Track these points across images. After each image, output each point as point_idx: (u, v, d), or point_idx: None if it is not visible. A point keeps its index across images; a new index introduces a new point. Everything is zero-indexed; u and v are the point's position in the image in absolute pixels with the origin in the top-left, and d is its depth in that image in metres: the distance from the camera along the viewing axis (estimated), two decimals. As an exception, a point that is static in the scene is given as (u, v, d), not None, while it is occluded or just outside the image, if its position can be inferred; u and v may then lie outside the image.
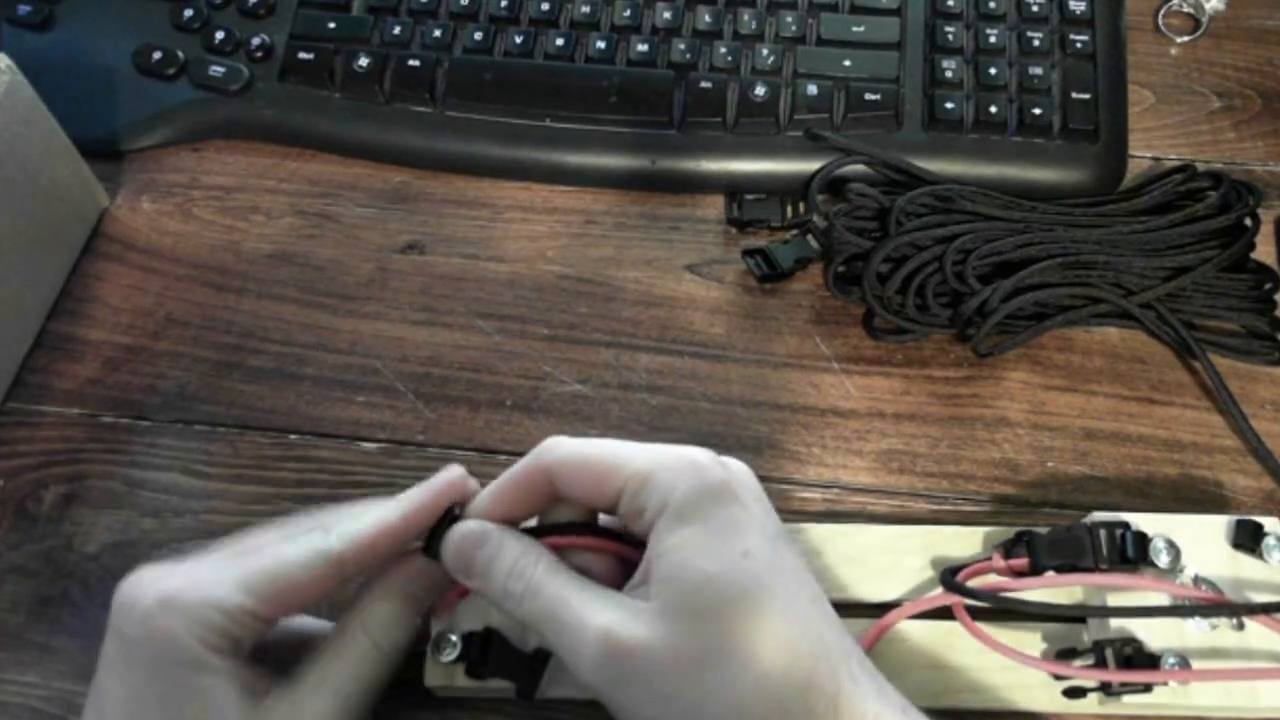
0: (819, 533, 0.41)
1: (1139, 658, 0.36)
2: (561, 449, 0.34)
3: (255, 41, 0.53)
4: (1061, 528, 0.39)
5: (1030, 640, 0.39)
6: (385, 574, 0.36)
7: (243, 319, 0.48)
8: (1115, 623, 0.37)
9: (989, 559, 0.39)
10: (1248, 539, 0.38)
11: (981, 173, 0.49)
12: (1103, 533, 0.37)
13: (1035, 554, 0.38)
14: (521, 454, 0.35)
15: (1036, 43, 0.51)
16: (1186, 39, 0.55)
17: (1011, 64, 0.51)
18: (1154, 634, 0.37)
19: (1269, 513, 0.42)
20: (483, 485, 0.36)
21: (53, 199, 0.48)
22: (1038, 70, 0.51)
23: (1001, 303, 0.45)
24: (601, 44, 0.52)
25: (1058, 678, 0.38)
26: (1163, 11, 0.56)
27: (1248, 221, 0.47)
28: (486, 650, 0.37)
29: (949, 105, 0.50)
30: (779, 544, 0.32)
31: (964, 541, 0.41)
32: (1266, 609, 0.36)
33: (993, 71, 0.51)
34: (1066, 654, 0.38)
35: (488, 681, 0.37)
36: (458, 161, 0.52)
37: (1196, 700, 0.37)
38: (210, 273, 0.49)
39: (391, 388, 0.46)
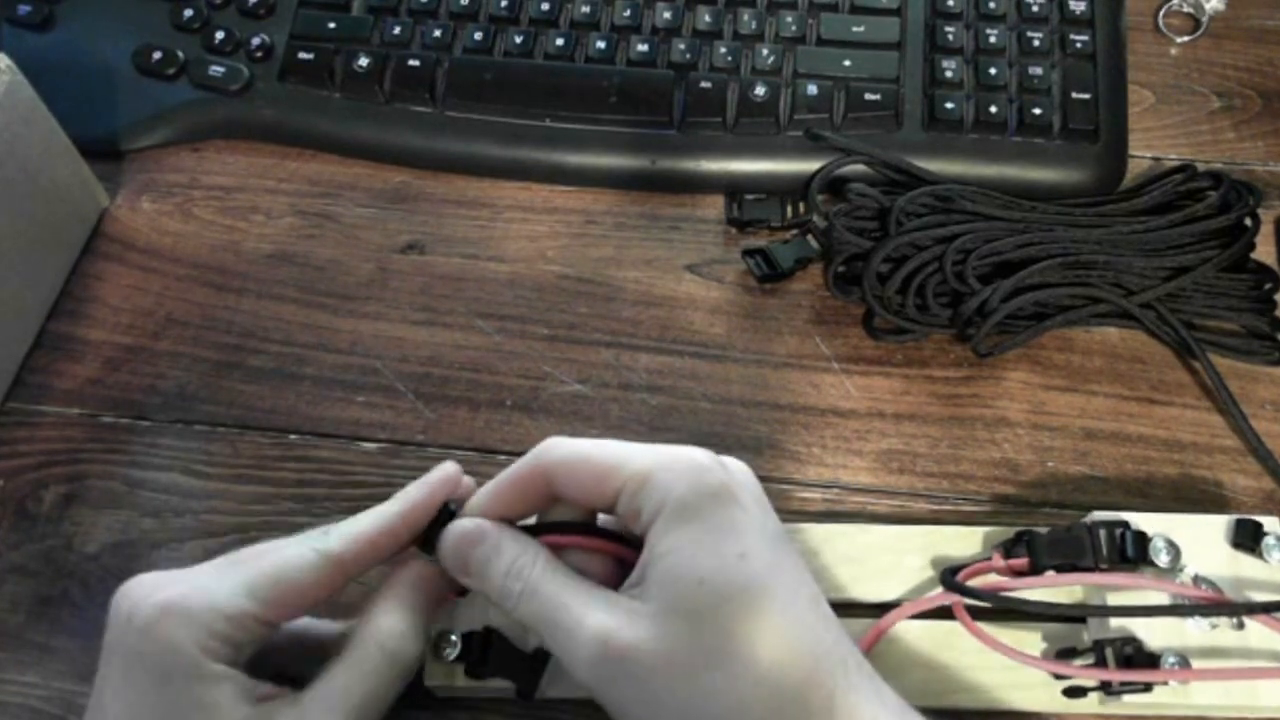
0: (819, 533, 0.41)
1: (1139, 657, 0.36)
2: (560, 449, 0.34)
3: (255, 41, 0.53)
4: (1061, 527, 0.39)
5: (1030, 640, 0.39)
6: (393, 582, 0.36)
7: (243, 319, 0.48)
8: (1115, 622, 0.37)
9: (989, 559, 0.39)
10: (1248, 539, 0.38)
11: (981, 173, 0.49)
12: (1103, 532, 0.38)
13: (1035, 554, 0.38)
14: (521, 454, 0.35)
15: (1036, 43, 0.51)
16: (1186, 39, 0.55)
17: (1011, 64, 0.51)
18: (1154, 633, 0.37)
19: (1269, 513, 0.42)
20: (481, 485, 0.36)
21: (53, 199, 0.48)
22: (1038, 70, 0.51)
23: (1001, 303, 0.45)
24: (601, 44, 0.52)
25: (1058, 677, 0.38)
26: (1163, 11, 0.56)
27: (1248, 221, 0.47)
28: (486, 650, 0.37)
29: (949, 105, 0.50)
30: (777, 545, 0.32)
31: (964, 541, 0.41)
32: (1266, 608, 0.36)
33: (993, 71, 0.51)
34: (1067, 653, 0.38)
35: (488, 681, 0.37)
36: (458, 161, 0.52)
37: (1196, 700, 0.37)
38: (210, 273, 0.49)
39: (391, 388, 0.46)
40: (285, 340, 0.48)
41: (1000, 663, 0.37)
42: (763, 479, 0.34)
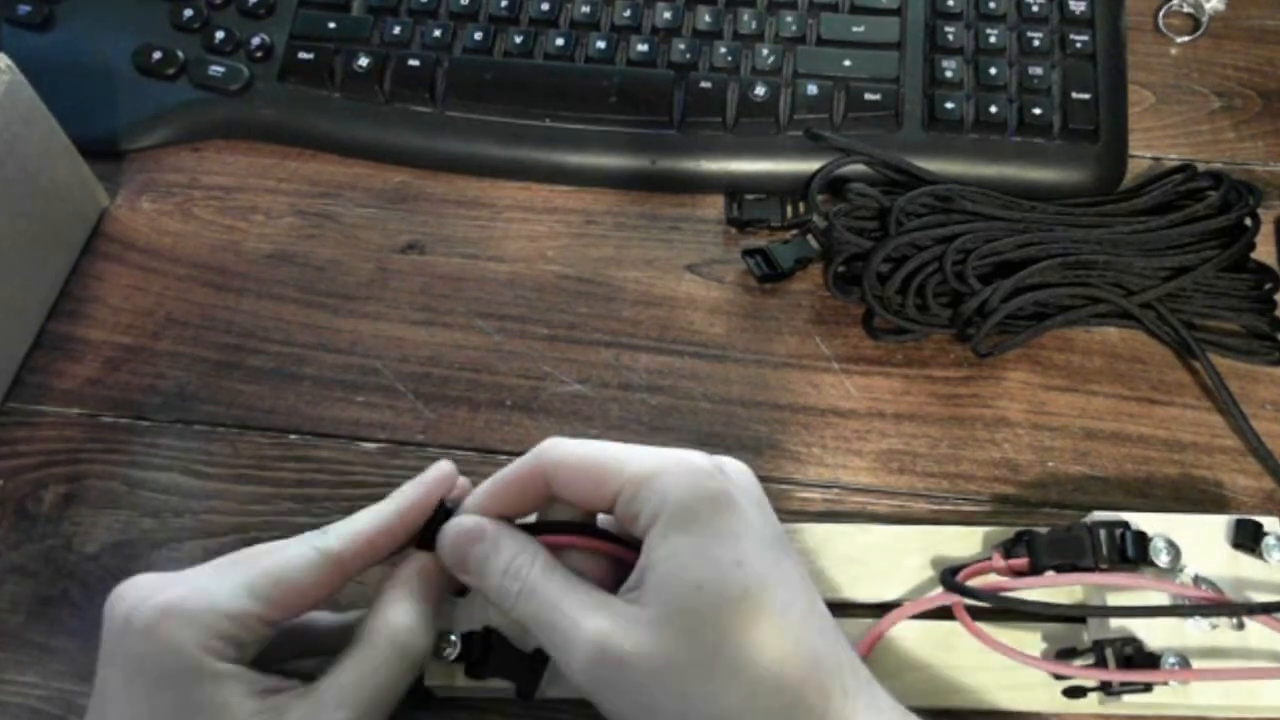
0: (819, 533, 0.41)
1: (1139, 657, 0.36)
2: (559, 450, 0.34)
3: (255, 41, 0.53)
4: (1061, 528, 0.39)
5: (1030, 640, 0.39)
6: (399, 575, 0.35)
7: (243, 319, 0.48)
8: (1115, 622, 0.37)
9: (989, 559, 0.39)
10: (1248, 539, 0.38)
11: (981, 173, 0.49)
12: (1103, 532, 0.38)
13: (1035, 554, 0.38)
14: (521, 454, 0.35)
15: (1036, 43, 0.51)
16: (1186, 39, 0.55)
17: (1011, 64, 0.51)
18: (1154, 633, 0.37)
19: (1269, 513, 0.42)
20: (479, 485, 0.36)
21: (53, 199, 0.48)
22: (1038, 70, 0.51)
23: (1001, 303, 0.45)
24: (601, 44, 0.52)
25: (1058, 677, 0.38)
26: (1163, 11, 0.56)
27: (1248, 221, 0.47)
28: (486, 650, 0.37)
29: (949, 105, 0.50)
30: (775, 552, 0.32)
31: (964, 541, 0.41)
32: (1266, 608, 0.36)
33: (993, 71, 0.51)
34: (1066, 654, 0.38)
35: (488, 681, 0.37)
36: (458, 161, 0.52)
37: (1196, 700, 0.37)
38: (210, 273, 0.49)
39: (391, 388, 0.46)
40: (285, 340, 0.48)
41: (1000, 663, 0.37)
42: (763, 479, 0.34)
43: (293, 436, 0.45)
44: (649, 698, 0.30)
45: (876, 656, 0.38)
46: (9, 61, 0.44)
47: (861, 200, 0.47)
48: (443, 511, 0.36)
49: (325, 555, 0.34)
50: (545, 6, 0.53)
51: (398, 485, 0.36)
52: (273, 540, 0.35)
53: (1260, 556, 0.38)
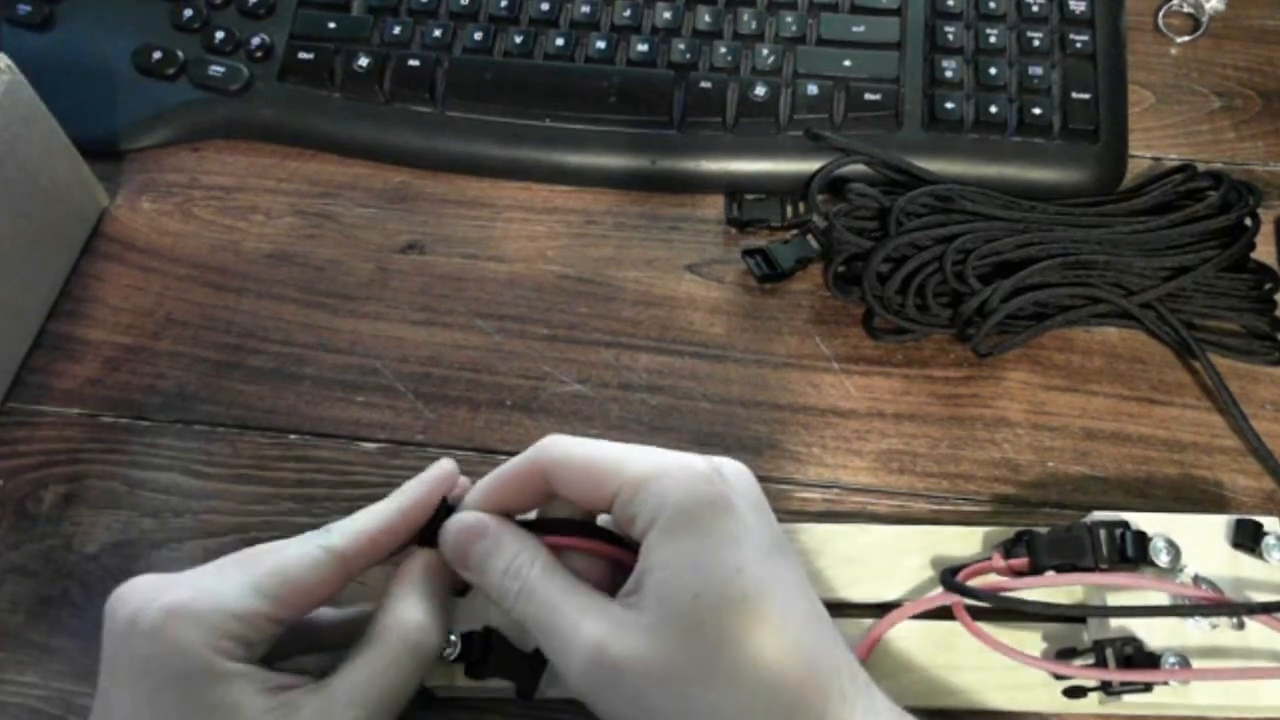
0: (819, 533, 0.41)
1: (1139, 657, 0.36)
2: (558, 449, 0.34)
3: (255, 41, 0.53)
4: (1061, 527, 0.39)
5: (1030, 640, 0.39)
6: (407, 573, 0.35)
7: (243, 319, 0.48)
8: (1115, 622, 0.37)
9: (989, 559, 0.39)
10: (1248, 539, 0.38)
11: (981, 173, 0.49)
12: (1103, 532, 0.38)
13: (1035, 554, 0.38)
14: (519, 454, 0.35)
15: (1036, 43, 0.51)
16: (1186, 39, 0.55)
17: (1011, 64, 0.51)
18: (1154, 633, 0.37)
19: (1269, 513, 0.42)
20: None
21: (53, 199, 0.48)
22: (1038, 70, 0.51)
23: (1001, 303, 0.45)
24: (601, 44, 0.52)
25: (1058, 677, 0.38)
26: (1163, 11, 0.56)
27: (1248, 221, 0.47)
28: (486, 650, 0.37)
29: (949, 105, 0.50)
30: (774, 558, 0.32)
31: (964, 541, 0.41)
32: (1266, 608, 0.36)
33: (993, 71, 0.51)
34: (1067, 653, 0.38)
35: (488, 681, 0.37)
36: (458, 161, 0.52)
37: (1197, 699, 0.37)
38: (210, 273, 0.49)
39: (391, 388, 0.46)
40: (285, 340, 0.48)
41: (1000, 663, 0.37)
42: (762, 479, 0.34)
43: (293, 436, 0.45)
44: (646, 703, 0.30)
45: (876, 656, 0.38)
46: (9, 61, 0.44)
47: (861, 200, 0.47)
48: (445, 509, 0.36)
49: (331, 553, 0.34)
50: (545, 6, 0.53)
51: (397, 485, 0.36)
52: (273, 540, 0.35)
53: (1260, 556, 0.38)
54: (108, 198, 0.51)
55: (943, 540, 0.41)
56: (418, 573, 0.35)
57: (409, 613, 0.34)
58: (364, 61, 0.52)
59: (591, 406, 0.46)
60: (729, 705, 0.30)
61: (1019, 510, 0.43)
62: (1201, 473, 0.44)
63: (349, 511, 0.36)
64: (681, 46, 0.52)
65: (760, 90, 0.51)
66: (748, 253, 0.49)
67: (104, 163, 0.51)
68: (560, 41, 0.52)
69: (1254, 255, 0.47)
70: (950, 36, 0.52)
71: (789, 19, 0.52)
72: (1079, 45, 0.51)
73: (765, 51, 0.52)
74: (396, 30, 0.53)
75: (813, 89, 0.51)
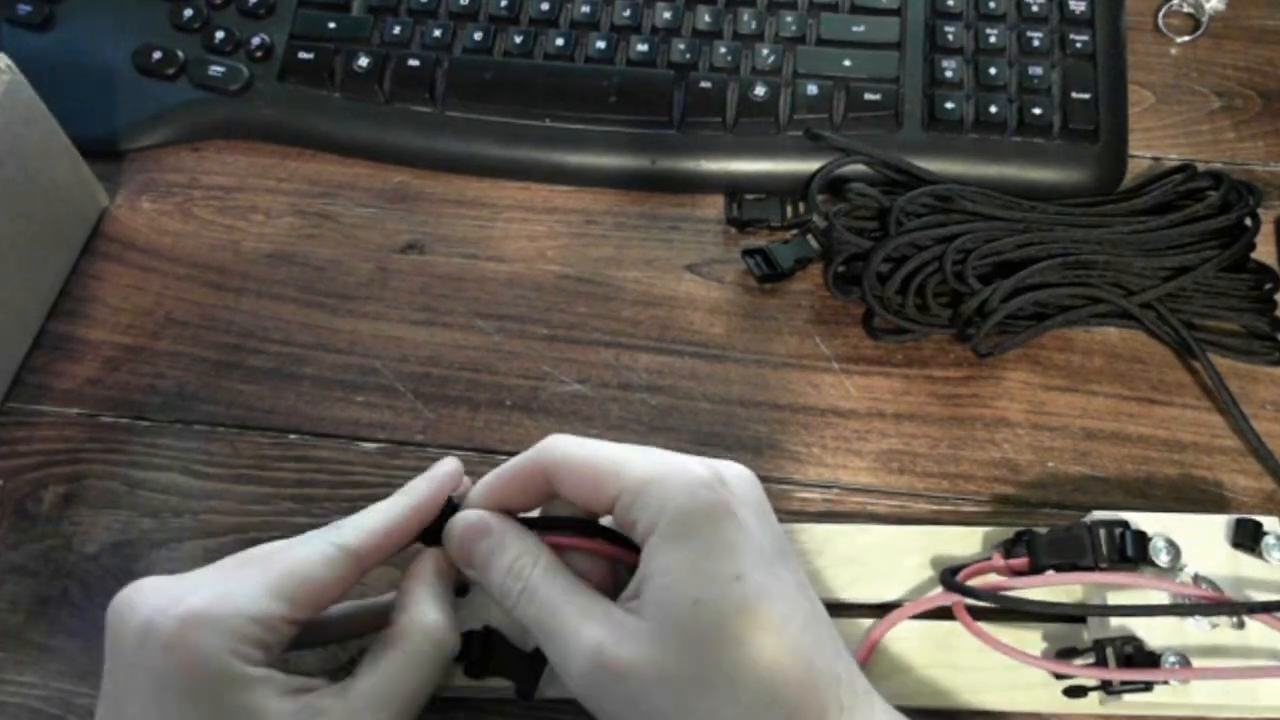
0: (819, 533, 0.41)
1: (1139, 656, 0.36)
2: (559, 449, 0.34)
3: (255, 41, 0.53)
4: (1061, 527, 0.39)
5: (1031, 639, 0.39)
6: (422, 574, 0.35)
7: (242, 319, 0.48)
8: (1115, 621, 0.37)
9: (989, 559, 0.39)
10: (1247, 538, 0.38)
11: (981, 173, 0.49)
12: (1102, 532, 0.37)
13: (1035, 553, 0.38)
14: (520, 454, 0.35)
15: (1036, 43, 0.51)
16: (1186, 39, 0.55)
17: (1011, 64, 0.51)
18: (1154, 633, 0.37)
19: (1269, 513, 0.42)
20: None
21: (53, 199, 0.48)
22: (1038, 70, 0.51)
23: (1001, 303, 0.45)
24: (601, 44, 0.52)
25: (1058, 677, 0.38)
26: (1163, 11, 0.56)
27: (1248, 221, 0.47)
28: (486, 650, 0.37)
29: (949, 105, 0.50)
30: (774, 564, 0.32)
31: (964, 541, 0.41)
32: (1266, 608, 0.36)
33: (993, 71, 0.51)
34: (1067, 653, 0.38)
35: (487, 681, 0.37)
36: (458, 161, 0.52)
37: (1197, 699, 0.37)
38: (210, 273, 0.49)
39: (391, 388, 0.46)
40: (285, 340, 0.48)
41: (1000, 662, 0.37)
42: (763, 479, 0.34)
43: (292, 436, 0.45)
44: (646, 706, 0.30)
45: (877, 657, 0.38)
46: (9, 61, 0.44)
47: (861, 200, 0.47)
48: (449, 507, 0.36)
49: (344, 551, 0.34)
50: (545, 6, 0.53)
51: (397, 485, 0.36)
52: (273, 540, 0.35)
53: (1260, 556, 0.38)
54: (108, 198, 0.51)
55: (943, 540, 0.41)
56: (430, 573, 0.35)
57: (428, 613, 0.34)
58: (364, 61, 0.52)
59: (591, 406, 0.46)
60: (727, 711, 0.30)
61: (1019, 510, 0.43)
62: (1201, 473, 0.44)
63: (349, 511, 0.36)
64: (681, 46, 0.52)
65: (760, 90, 0.51)
66: (748, 253, 0.49)
67: (104, 163, 0.51)
68: (560, 41, 0.52)
69: (1254, 255, 0.47)
70: (950, 36, 0.52)
71: (789, 19, 0.52)
72: (1079, 45, 0.51)
73: (765, 51, 0.52)
74: (396, 30, 0.53)
75: (813, 89, 0.51)
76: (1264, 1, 0.57)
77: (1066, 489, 0.44)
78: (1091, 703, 0.37)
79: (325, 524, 0.35)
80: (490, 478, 0.36)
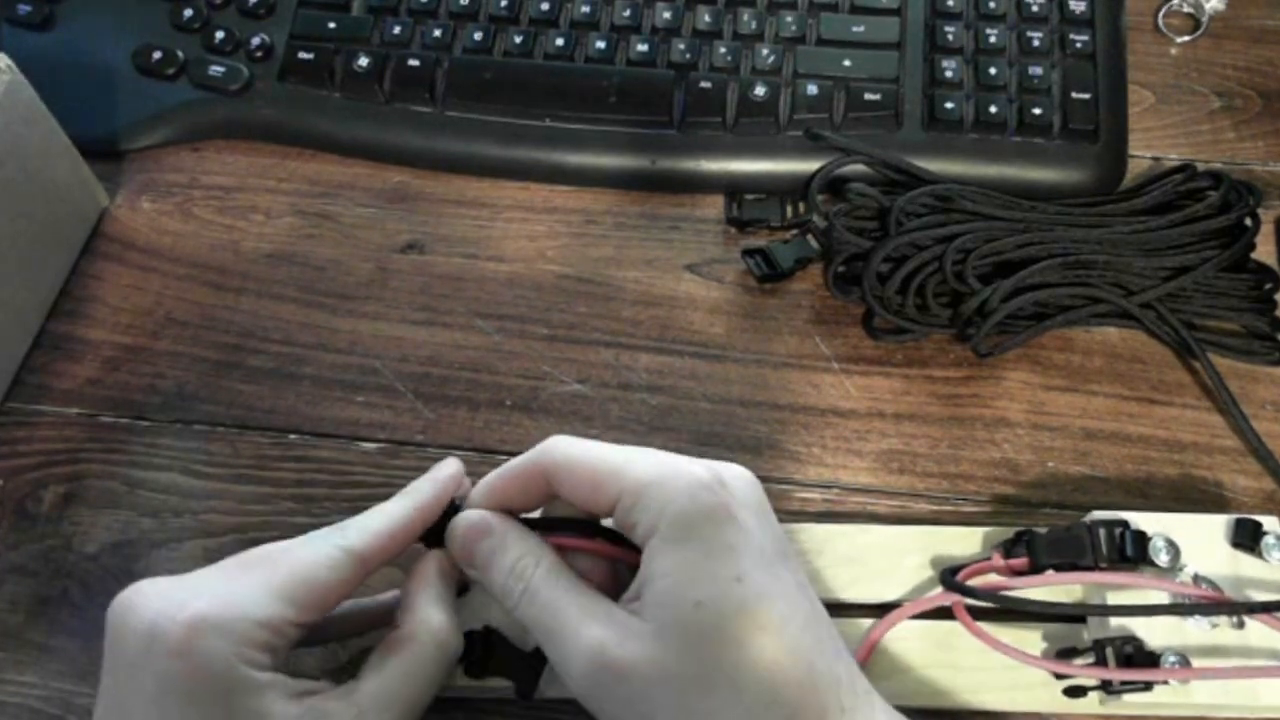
0: (819, 533, 0.41)
1: (1139, 656, 0.36)
2: (560, 451, 0.34)
3: (255, 41, 0.53)
4: (1061, 527, 0.39)
5: (1031, 639, 0.39)
6: (426, 576, 0.35)
7: (242, 319, 0.48)
8: (1115, 621, 0.37)
9: (989, 559, 0.39)
10: (1247, 538, 0.38)
11: (981, 173, 0.49)
12: (1102, 532, 0.37)
13: (1035, 553, 0.38)
14: (521, 454, 0.35)
15: (1036, 43, 0.51)
16: (1186, 39, 0.55)
17: (1011, 64, 0.51)
18: (1154, 632, 0.37)
19: (1269, 513, 0.42)
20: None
21: (53, 199, 0.48)
22: (1038, 70, 0.51)
23: (1001, 303, 0.45)
24: (601, 44, 0.52)
25: (1058, 676, 0.38)
26: (1163, 11, 0.56)
27: (1248, 221, 0.47)
28: (486, 649, 0.37)
29: (949, 105, 0.50)
30: (775, 566, 0.32)
31: (964, 541, 0.41)
32: (1266, 607, 0.36)
33: (993, 71, 0.51)
34: (1067, 653, 0.38)
35: (487, 681, 0.37)
36: (458, 161, 0.52)
37: (1197, 698, 0.37)
38: (210, 272, 0.49)
39: (391, 388, 0.46)
40: (285, 340, 0.48)
41: (1000, 662, 0.37)
42: (763, 479, 0.34)
43: (292, 436, 0.45)
44: (647, 707, 0.30)
45: (877, 657, 0.38)
46: (9, 61, 0.44)
47: (861, 200, 0.47)
48: (452, 508, 0.36)
49: (349, 554, 0.34)
50: (545, 6, 0.53)
51: (397, 485, 0.36)
52: (273, 540, 0.34)
53: (1260, 556, 0.38)
54: (108, 198, 0.51)
55: (943, 540, 0.41)
56: (434, 574, 0.35)
57: (434, 615, 0.34)
58: (364, 61, 0.52)
59: (591, 406, 0.46)
60: (728, 712, 0.30)
61: (1019, 510, 0.43)
62: (1201, 473, 0.44)
63: (349, 511, 0.36)
64: (681, 46, 0.52)
65: (760, 90, 0.51)
66: (747, 253, 0.49)
67: (104, 163, 0.51)
68: (560, 41, 0.52)
69: (1254, 255, 0.47)
70: (950, 36, 0.52)
71: (789, 19, 0.52)
72: (1079, 45, 0.51)
73: (765, 51, 0.52)
74: (396, 30, 0.53)
75: (813, 89, 0.51)
76: (1264, 1, 0.57)
77: (1066, 489, 0.44)
78: (1091, 703, 0.37)
79: (325, 524, 0.35)
80: (491, 478, 0.36)
